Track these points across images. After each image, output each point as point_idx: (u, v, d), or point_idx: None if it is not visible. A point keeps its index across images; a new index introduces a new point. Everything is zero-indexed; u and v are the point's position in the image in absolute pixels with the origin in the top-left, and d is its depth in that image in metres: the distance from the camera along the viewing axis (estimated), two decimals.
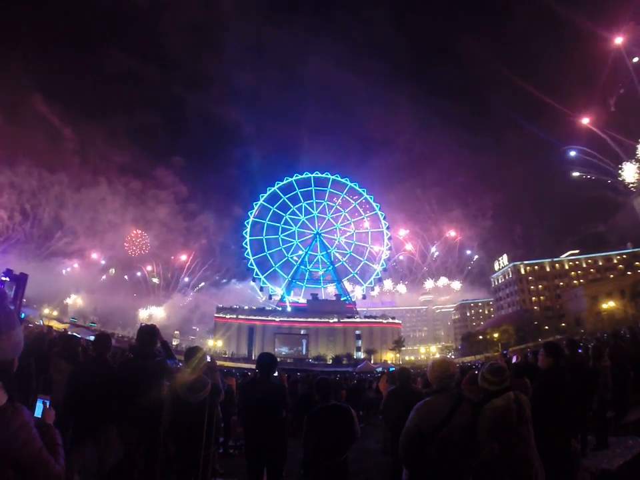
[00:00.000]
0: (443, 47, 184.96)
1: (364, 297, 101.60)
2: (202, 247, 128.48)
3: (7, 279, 17.58)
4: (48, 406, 2.09)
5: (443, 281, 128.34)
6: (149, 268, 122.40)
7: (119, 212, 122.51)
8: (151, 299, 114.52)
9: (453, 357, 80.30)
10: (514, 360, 13.82)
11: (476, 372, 4.35)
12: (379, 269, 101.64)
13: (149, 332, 4.85)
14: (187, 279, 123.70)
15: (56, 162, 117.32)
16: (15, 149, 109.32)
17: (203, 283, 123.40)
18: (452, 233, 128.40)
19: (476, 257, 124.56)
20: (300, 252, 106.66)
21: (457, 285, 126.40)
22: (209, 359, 6.81)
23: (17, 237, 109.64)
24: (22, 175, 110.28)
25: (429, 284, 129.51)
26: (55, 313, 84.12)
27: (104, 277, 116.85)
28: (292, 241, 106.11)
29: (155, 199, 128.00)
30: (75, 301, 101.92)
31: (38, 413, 2.10)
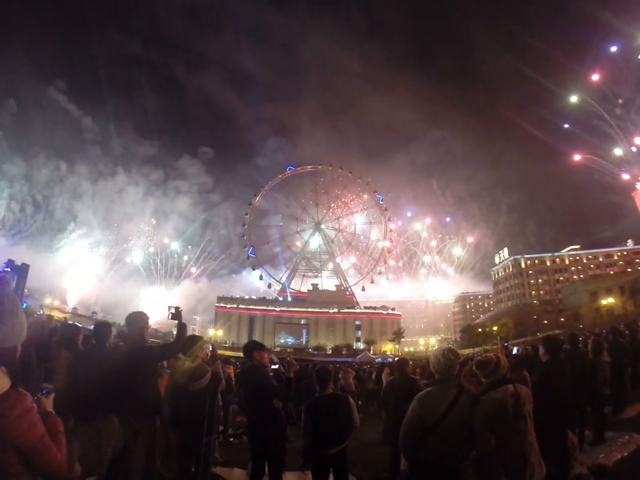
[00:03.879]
0: (451, 33, 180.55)
1: (363, 289, 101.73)
2: (220, 238, 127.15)
3: (9, 269, 17.68)
4: (49, 394, 2.10)
5: (447, 273, 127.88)
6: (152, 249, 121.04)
7: (131, 202, 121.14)
8: (155, 289, 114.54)
9: None
10: (514, 351, 13.86)
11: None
12: (379, 261, 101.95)
13: (138, 319, 4.75)
14: (199, 269, 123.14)
15: (71, 151, 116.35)
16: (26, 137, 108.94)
17: (204, 275, 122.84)
18: (470, 239, 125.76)
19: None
20: (301, 242, 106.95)
21: (458, 277, 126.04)
22: (210, 348, 6.85)
23: (28, 229, 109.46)
24: (34, 165, 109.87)
25: (430, 276, 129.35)
26: (57, 303, 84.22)
27: (108, 266, 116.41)
28: (293, 231, 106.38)
29: (172, 188, 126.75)
30: (78, 290, 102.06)
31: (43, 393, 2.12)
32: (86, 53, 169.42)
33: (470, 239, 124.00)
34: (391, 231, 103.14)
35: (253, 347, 5.17)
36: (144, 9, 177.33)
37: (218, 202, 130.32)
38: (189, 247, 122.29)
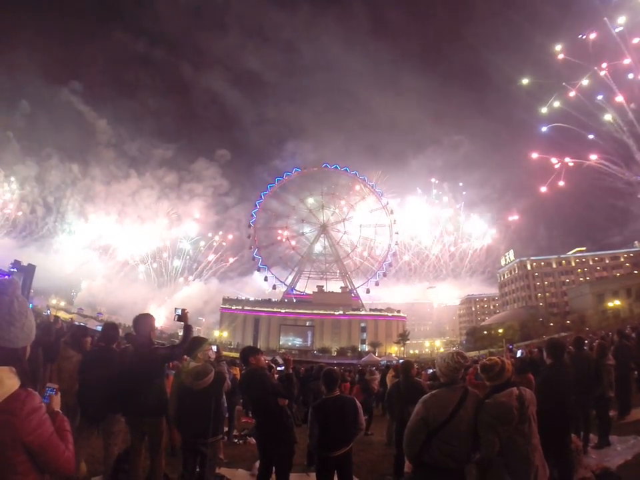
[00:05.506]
0: (457, 32, 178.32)
1: (368, 291, 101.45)
2: (234, 239, 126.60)
3: (15, 269, 17.84)
4: (56, 393, 2.12)
5: (456, 275, 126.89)
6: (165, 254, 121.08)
7: (144, 205, 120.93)
8: (163, 290, 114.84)
9: None
10: (519, 354, 13.84)
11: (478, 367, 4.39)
12: (385, 262, 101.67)
13: (146, 320, 4.79)
14: (210, 271, 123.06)
15: (83, 153, 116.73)
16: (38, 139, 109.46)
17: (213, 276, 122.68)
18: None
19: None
20: (306, 244, 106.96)
21: (468, 279, 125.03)
22: (215, 349, 6.88)
23: (39, 231, 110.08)
24: (46, 167, 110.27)
25: (436, 278, 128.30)
26: (63, 304, 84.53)
27: (118, 268, 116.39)
28: (299, 232, 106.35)
29: (186, 191, 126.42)
30: (85, 291, 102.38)
31: (46, 400, 2.14)
32: (97, 55, 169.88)
33: (484, 244, 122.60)
34: (396, 233, 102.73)
35: (247, 354, 5.14)
36: (150, 9, 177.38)
37: (232, 204, 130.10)
38: (200, 249, 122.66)
